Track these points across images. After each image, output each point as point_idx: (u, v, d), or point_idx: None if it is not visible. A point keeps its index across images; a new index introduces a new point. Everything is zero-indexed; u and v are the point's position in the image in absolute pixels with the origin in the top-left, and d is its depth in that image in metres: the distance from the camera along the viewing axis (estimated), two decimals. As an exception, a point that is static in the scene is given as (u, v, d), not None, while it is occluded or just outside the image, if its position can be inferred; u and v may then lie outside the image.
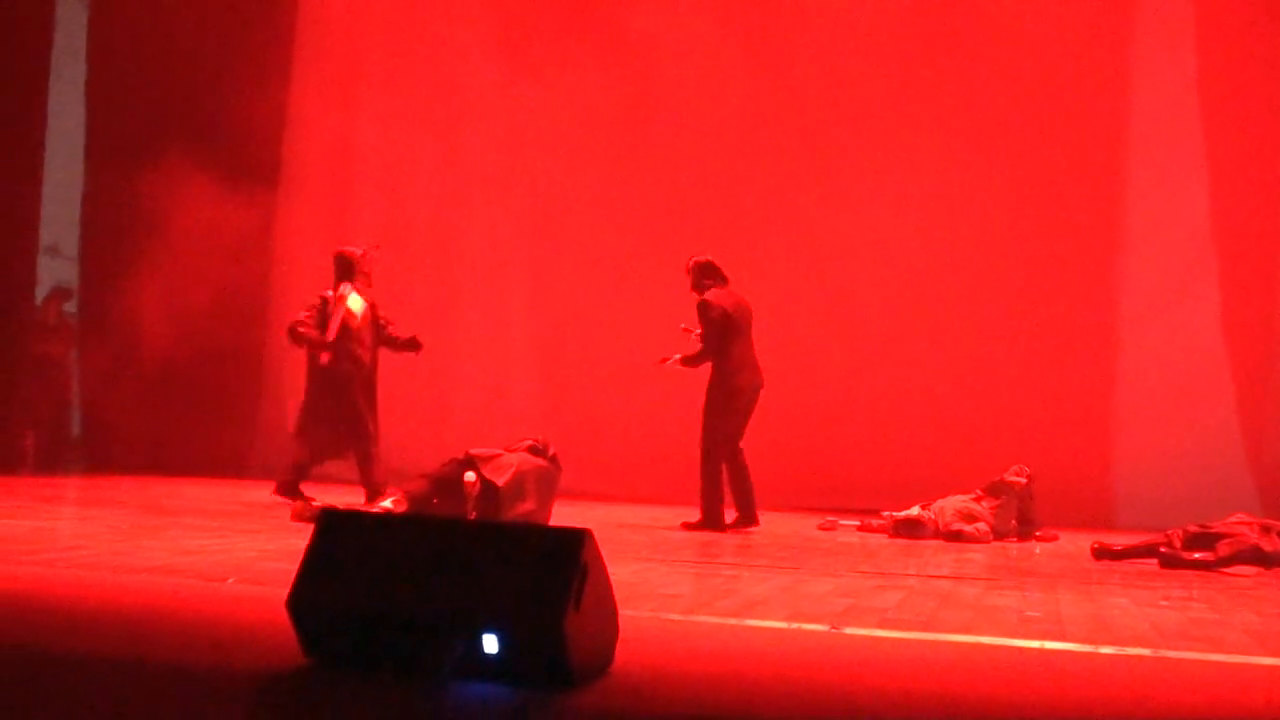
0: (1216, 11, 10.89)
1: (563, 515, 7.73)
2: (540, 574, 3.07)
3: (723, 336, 8.61)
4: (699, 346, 8.71)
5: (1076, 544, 8.30)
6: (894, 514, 8.70)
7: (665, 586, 5.19)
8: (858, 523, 9.06)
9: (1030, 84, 11.16)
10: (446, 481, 7.14)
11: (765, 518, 9.01)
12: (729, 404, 8.62)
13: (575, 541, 3.12)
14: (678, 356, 8.74)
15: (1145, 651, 4.08)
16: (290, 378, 12.69)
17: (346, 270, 8.90)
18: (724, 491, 8.61)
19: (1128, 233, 11.15)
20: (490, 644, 3.04)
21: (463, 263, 12.69)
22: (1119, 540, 7.59)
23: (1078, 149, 11.10)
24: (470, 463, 7.22)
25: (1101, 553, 7.41)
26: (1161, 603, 5.44)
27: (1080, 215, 11.11)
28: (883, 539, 8.47)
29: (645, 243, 11.90)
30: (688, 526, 8.46)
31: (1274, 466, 10.46)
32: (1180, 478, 10.30)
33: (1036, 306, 11.14)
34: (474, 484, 7.07)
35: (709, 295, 8.73)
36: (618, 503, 10.44)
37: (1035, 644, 4.15)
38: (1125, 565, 7.15)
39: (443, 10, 12.84)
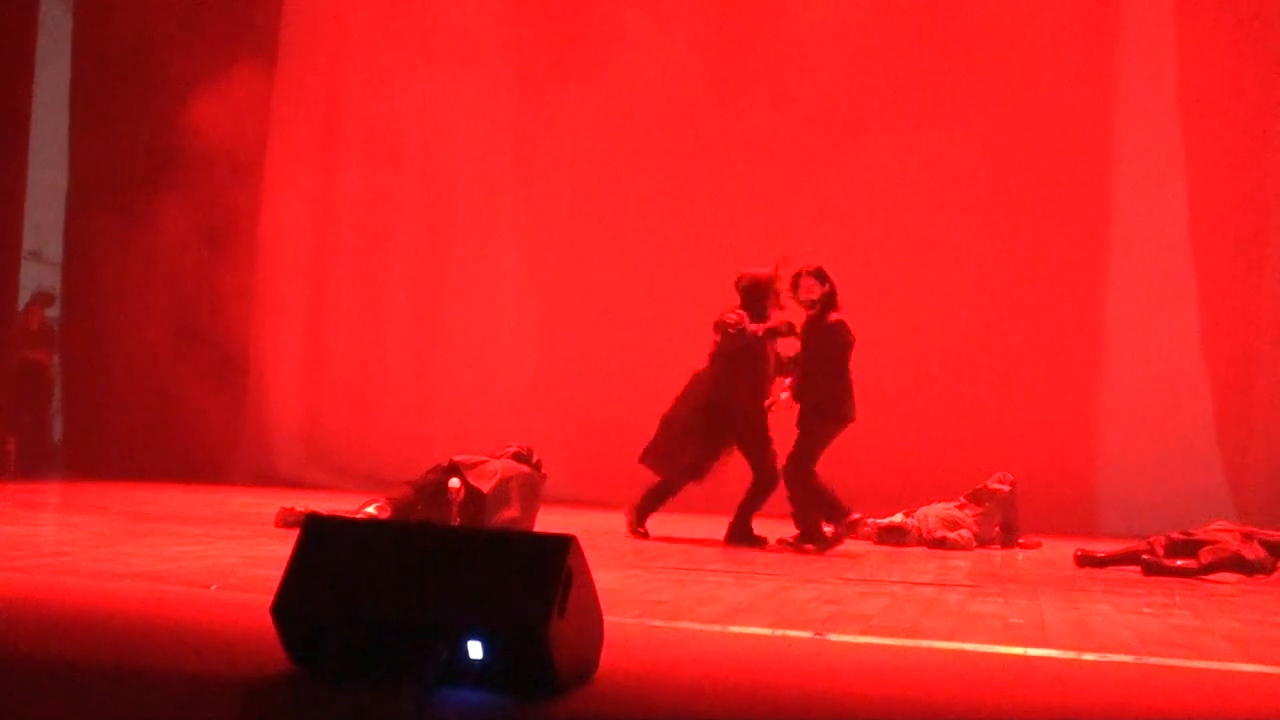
0: (1197, 28, 10.96)
1: (547, 522, 7.71)
2: (525, 580, 3.07)
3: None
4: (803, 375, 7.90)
5: (1059, 551, 8.32)
6: (877, 521, 8.70)
7: (650, 593, 5.19)
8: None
9: (1012, 99, 11.20)
10: (430, 488, 7.13)
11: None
12: (831, 427, 7.96)
13: (560, 547, 3.12)
14: (785, 395, 7.97)
15: (1128, 658, 4.10)
16: (274, 381, 12.69)
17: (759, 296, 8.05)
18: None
19: (1109, 245, 11.21)
20: (475, 650, 3.04)
21: (450, 263, 12.66)
22: (1102, 547, 7.62)
23: (1061, 159, 11.16)
24: (454, 469, 7.22)
25: (1084, 560, 7.44)
26: (1144, 609, 5.46)
27: (1063, 227, 11.15)
28: (867, 546, 8.48)
29: (639, 241, 11.92)
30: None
31: (1251, 475, 10.53)
32: (1161, 486, 10.34)
33: (1020, 316, 11.18)
34: (458, 490, 7.06)
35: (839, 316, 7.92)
36: (604, 509, 10.42)
37: (1018, 650, 4.16)
38: (1108, 572, 7.18)
39: None
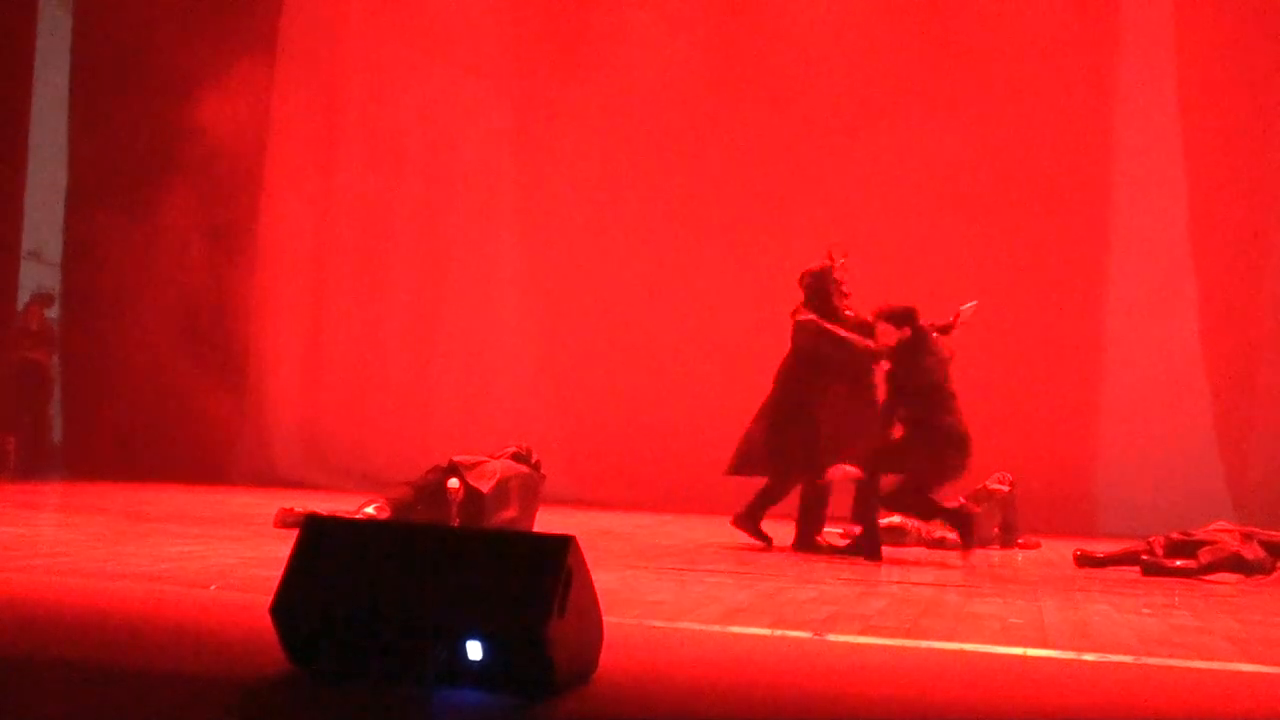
0: (1197, 28, 10.97)
1: (546, 522, 7.71)
2: (524, 580, 3.07)
3: None
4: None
5: (1059, 551, 8.32)
6: (877, 521, 8.68)
7: (649, 593, 5.19)
8: (841, 530, 9.05)
9: (1012, 99, 11.20)
10: (430, 488, 7.13)
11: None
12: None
13: (559, 548, 3.12)
14: None
15: (1127, 658, 4.10)
16: (273, 382, 12.69)
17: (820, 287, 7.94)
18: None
19: (1110, 247, 11.21)
20: (474, 651, 3.04)
21: (450, 263, 12.65)
22: (1101, 548, 7.62)
23: (1062, 161, 11.16)
24: (454, 469, 7.21)
25: (1084, 560, 7.43)
26: (1143, 610, 5.46)
27: (1063, 227, 11.15)
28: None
29: (640, 241, 11.91)
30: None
31: (1250, 475, 10.53)
32: (1161, 486, 10.34)
33: (1020, 316, 11.17)
34: (457, 490, 7.06)
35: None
36: (603, 510, 10.43)
37: (1018, 651, 4.16)
38: (1107, 572, 7.17)
39: None
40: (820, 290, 8.00)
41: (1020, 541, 8.83)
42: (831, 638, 4.25)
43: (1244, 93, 10.83)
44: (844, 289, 8.06)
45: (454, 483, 7.06)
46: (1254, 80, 10.84)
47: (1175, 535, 7.20)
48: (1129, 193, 11.18)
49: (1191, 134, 10.98)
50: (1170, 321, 10.97)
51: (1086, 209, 11.20)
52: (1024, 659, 4.06)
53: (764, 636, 4.25)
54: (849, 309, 8.03)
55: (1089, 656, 4.08)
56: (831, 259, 8.03)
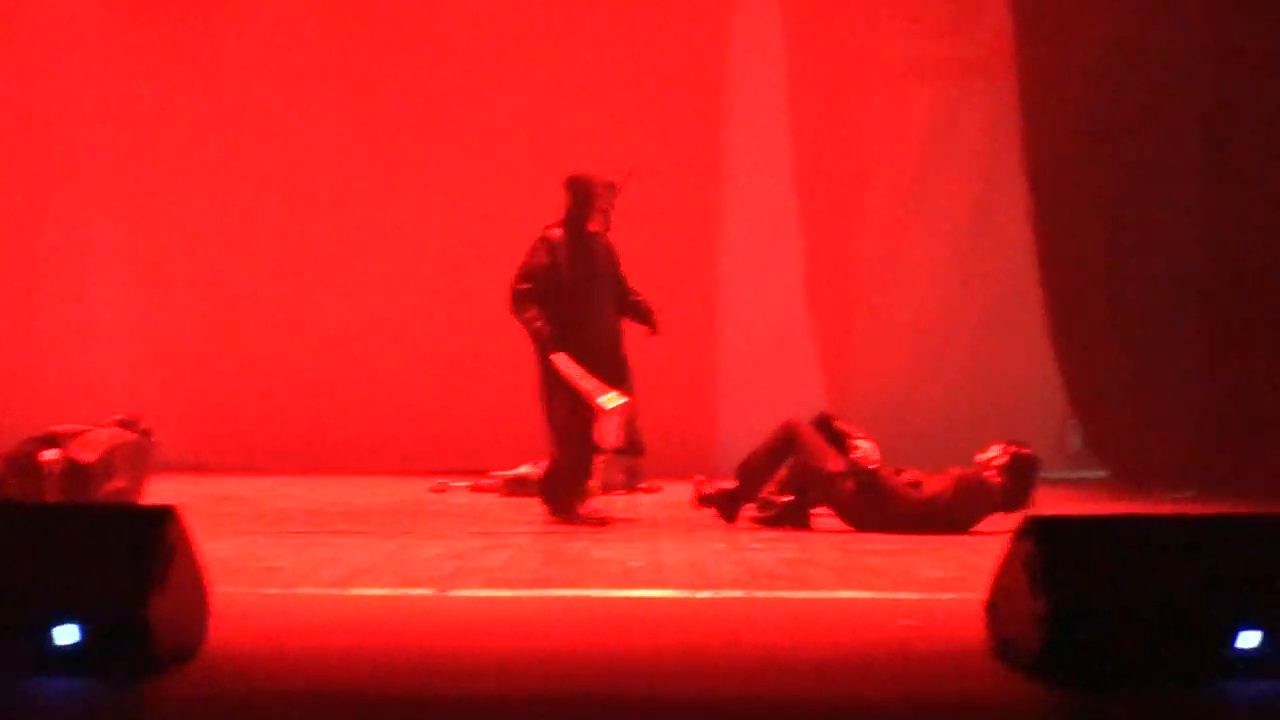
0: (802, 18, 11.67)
1: (161, 491, 7.30)
2: (120, 557, 2.92)
3: None
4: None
5: (680, 494, 8.58)
6: (503, 473, 8.74)
7: (266, 559, 5.01)
8: (469, 483, 9.07)
9: (629, 74, 11.44)
10: (21, 461, 6.62)
11: (369, 483, 8.95)
12: None
13: (157, 520, 2.98)
14: None
15: (738, 593, 4.28)
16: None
17: (582, 201, 7.20)
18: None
19: (724, 207, 11.71)
20: (65, 635, 2.85)
21: (48, 215, 11.72)
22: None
23: (674, 123, 11.49)
24: (51, 440, 6.73)
25: (704, 500, 7.65)
26: (754, 546, 5.72)
27: (681, 190, 11.52)
28: (494, 499, 8.49)
29: (254, 194, 11.45)
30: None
31: (851, 411, 11.36)
32: (773, 425, 10.94)
33: (639, 273, 11.50)
34: (54, 462, 6.59)
35: None
36: (223, 475, 10.03)
37: (637, 593, 4.28)
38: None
39: None
40: (583, 203, 7.34)
41: (643, 486, 9.08)
42: (455, 593, 4.23)
43: (847, 45, 11.57)
44: (610, 215, 7.43)
45: (50, 454, 6.59)
46: (857, 33, 11.59)
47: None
48: (739, 151, 11.69)
49: (797, 96, 11.62)
50: (779, 273, 11.62)
51: (698, 165, 11.58)
52: (642, 601, 4.18)
53: (386, 597, 4.19)
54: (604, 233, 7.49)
55: (703, 594, 4.24)
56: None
